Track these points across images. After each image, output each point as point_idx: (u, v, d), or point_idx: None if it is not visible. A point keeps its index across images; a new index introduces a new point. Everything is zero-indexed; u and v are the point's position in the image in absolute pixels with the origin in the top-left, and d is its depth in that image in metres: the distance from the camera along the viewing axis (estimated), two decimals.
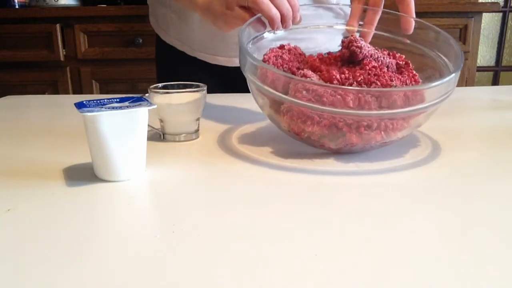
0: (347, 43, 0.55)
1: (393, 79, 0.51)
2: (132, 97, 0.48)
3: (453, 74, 0.49)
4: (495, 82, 2.38)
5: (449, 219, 0.36)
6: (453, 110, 0.76)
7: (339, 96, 0.45)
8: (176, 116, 0.58)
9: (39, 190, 0.43)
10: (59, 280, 0.28)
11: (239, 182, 0.45)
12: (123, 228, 0.35)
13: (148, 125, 0.58)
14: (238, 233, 0.34)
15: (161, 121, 0.59)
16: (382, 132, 0.47)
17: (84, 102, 0.45)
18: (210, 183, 0.45)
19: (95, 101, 0.46)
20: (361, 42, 0.55)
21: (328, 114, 0.47)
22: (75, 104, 0.45)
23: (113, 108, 0.43)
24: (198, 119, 0.60)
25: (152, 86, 0.58)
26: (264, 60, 0.53)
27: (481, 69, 2.32)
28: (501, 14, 2.29)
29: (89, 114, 0.41)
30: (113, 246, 0.32)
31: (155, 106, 0.45)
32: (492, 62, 2.35)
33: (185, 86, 0.58)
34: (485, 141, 0.58)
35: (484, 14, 2.01)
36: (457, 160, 0.51)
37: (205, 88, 0.59)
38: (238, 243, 0.33)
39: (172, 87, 0.59)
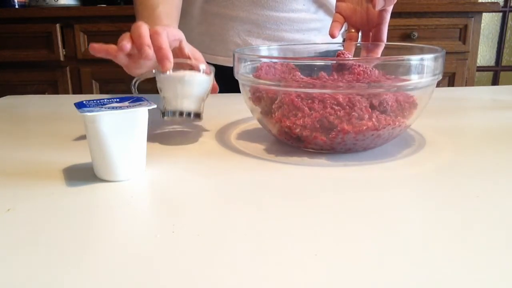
0: (336, 57, 0.59)
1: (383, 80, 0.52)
2: (132, 97, 0.48)
3: (436, 54, 0.50)
4: (495, 82, 2.38)
5: (446, 218, 0.36)
6: (453, 110, 0.76)
7: (328, 90, 0.48)
8: (177, 90, 0.55)
9: (39, 190, 0.43)
10: (59, 280, 0.28)
11: (238, 181, 0.45)
12: (123, 228, 0.36)
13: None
14: (237, 233, 0.34)
15: (164, 98, 0.57)
16: (374, 120, 0.48)
17: (84, 102, 0.45)
18: (210, 183, 0.45)
19: (95, 101, 0.46)
20: (349, 55, 0.59)
21: (318, 106, 0.48)
22: (75, 104, 0.45)
23: (113, 108, 0.43)
24: (202, 101, 0.58)
25: None
26: (257, 69, 0.54)
27: (481, 69, 2.32)
28: (501, 14, 2.29)
29: (89, 114, 0.41)
30: (113, 246, 0.32)
31: (155, 106, 0.45)
32: (492, 62, 2.35)
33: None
34: (484, 141, 0.58)
35: (484, 14, 2.02)
36: (455, 160, 0.51)
37: (213, 70, 0.58)
38: (237, 242, 0.33)
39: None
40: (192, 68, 0.57)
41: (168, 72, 0.54)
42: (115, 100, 0.47)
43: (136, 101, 0.46)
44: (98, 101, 0.46)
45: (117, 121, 0.43)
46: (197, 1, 0.83)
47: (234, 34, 0.83)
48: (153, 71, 0.57)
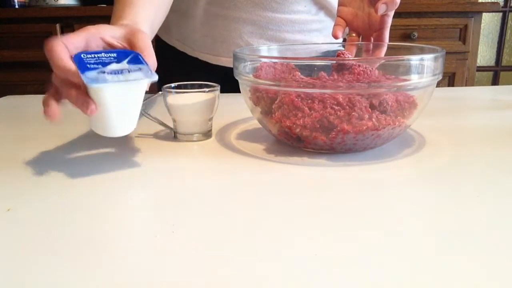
0: (336, 57, 0.59)
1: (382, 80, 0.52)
2: (125, 52, 0.47)
3: (436, 54, 0.50)
4: (495, 82, 2.38)
5: (446, 218, 0.36)
6: (453, 110, 0.76)
7: (328, 90, 0.48)
8: (188, 116, 0.58)
9: (39, 190, 0.43)
10: (59, 280, 0.28)
11: (238, 181, 0.45)
12: (123, 228, 0.36)
13: (162, 124, 0.60)
14: (238, 233, 0.34)
15: (174, 120, 0.59)
16: (374, 120, 0.48)
17: (83, 57, 0.44)
18: (210, 183, 0.45)
19: (94, 59, 0.44)
20: (349, 55, 0.59)
21: (318, 106, 0.49)
22: (74, 58, 0.43)
23: (115, 72, 0.43)
24: (210, 120, 0.60)
25: (165, 86, 0.58)
26: (257, 69, 0.54)
27: (481, 69, 2.32)
28: (501, 14, 2.29)
29: (95, 86, 0.42)
30: (113, 246, 0.32)
31: (155, 78, 0.45)
32: (492, 62, 2.35)
33: (199, 86, 0.59)
34: (484, 141, 0.58)
35: (484, 14, 2.01)
36: (456, 160, 0.51)
37: (218, 88, 0.59)
38: (237, 242, 0.33)
39: (186, 87, 0.59)
40: (196, 87, 0.58)
41: (173, 101, 0.57)
42: (112, 57, 0.46)
43: (134, 60, 0.46)
44: (97, 61, 0.44)
45: (121, 91, 0.44)
46: (200, 2, 0.83)
47: (236, 36, 0.84)
48: (159, 92, 0.59)
